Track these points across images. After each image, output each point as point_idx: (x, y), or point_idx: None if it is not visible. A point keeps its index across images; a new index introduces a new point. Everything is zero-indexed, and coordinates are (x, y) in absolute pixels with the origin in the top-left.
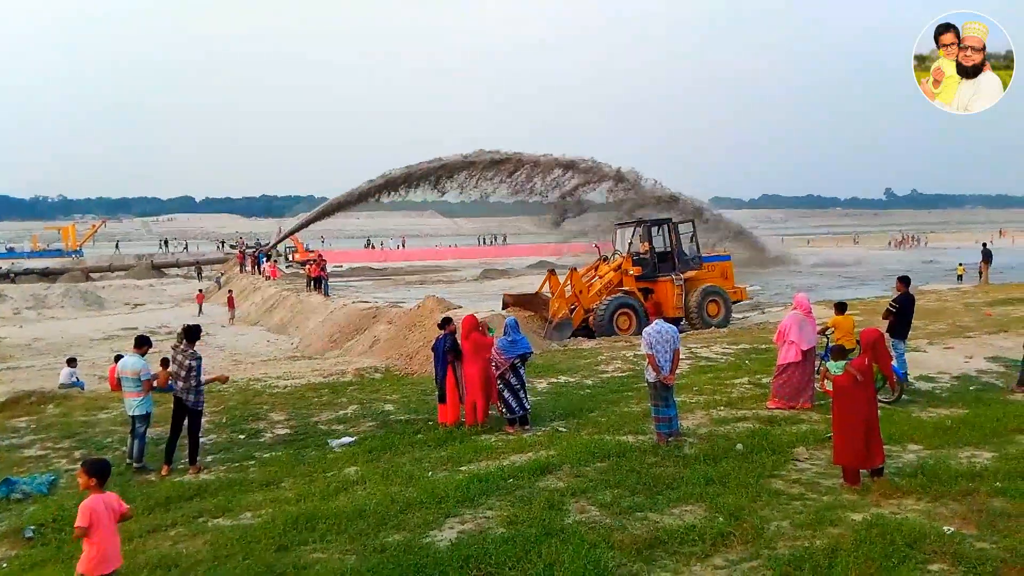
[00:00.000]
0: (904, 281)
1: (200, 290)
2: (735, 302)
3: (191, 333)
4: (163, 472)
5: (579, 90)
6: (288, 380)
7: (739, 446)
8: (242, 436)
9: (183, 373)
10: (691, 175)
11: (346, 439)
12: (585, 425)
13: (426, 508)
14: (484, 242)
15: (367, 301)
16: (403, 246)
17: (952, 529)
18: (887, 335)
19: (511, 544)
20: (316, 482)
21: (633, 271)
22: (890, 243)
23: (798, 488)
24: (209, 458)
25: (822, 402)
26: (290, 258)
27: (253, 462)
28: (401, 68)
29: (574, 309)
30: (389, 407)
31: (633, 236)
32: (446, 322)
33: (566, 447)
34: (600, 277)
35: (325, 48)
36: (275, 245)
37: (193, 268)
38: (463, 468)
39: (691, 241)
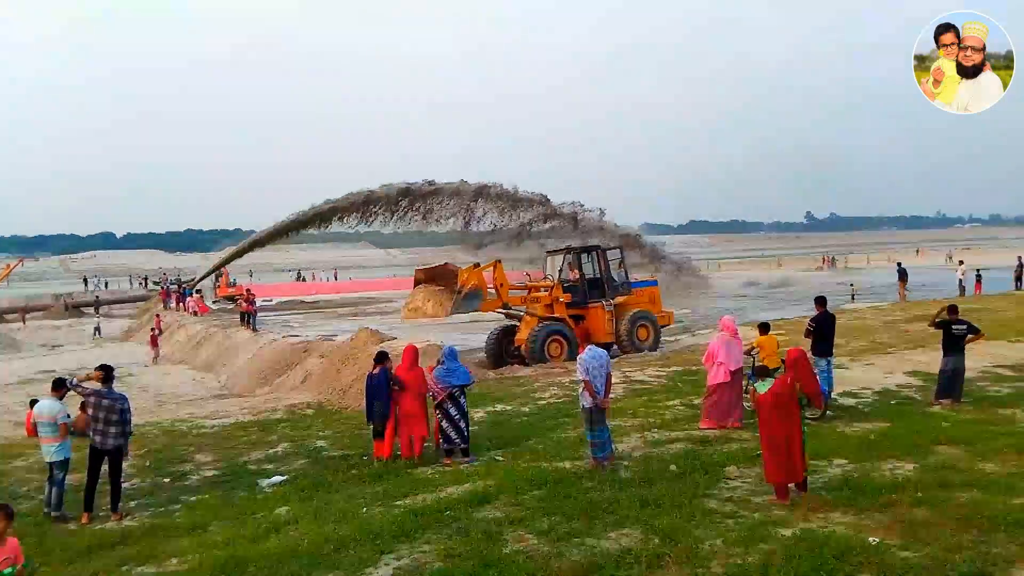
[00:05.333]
0: (820, 301)
1: (153, 329)
2: (663, 326)
3: (109, 373)
4: (83, 520)
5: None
6: (216, 420)
7: (673, 467)
8: (167, 479)
9: (115, 417)
10: (622, 203)
11: (277, 478)
12: (522, 453)
13: (361, 546)
14: None
15: (297, 335)
16: (335, 278)
17: (877, 540)
18: (810, 353)
19: None
20: (245, 524)
21: (564, 298)
22: (817, 265)
23: (730, 506)
24: (132, 503)
25: (752, 420)
26: (216, 293)
27: (179, 506)
28: (326, 97)
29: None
30: (322, 443)
31: (563, 263)
32: (382, 357)
33: (503, 476)
34: (528, 291)
35: (248, 77)
36: (200, 280)
37: (97, 307)
38: (399, 503)
39: (619, 267)
